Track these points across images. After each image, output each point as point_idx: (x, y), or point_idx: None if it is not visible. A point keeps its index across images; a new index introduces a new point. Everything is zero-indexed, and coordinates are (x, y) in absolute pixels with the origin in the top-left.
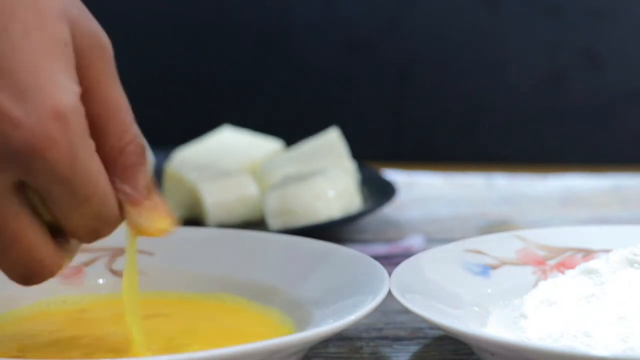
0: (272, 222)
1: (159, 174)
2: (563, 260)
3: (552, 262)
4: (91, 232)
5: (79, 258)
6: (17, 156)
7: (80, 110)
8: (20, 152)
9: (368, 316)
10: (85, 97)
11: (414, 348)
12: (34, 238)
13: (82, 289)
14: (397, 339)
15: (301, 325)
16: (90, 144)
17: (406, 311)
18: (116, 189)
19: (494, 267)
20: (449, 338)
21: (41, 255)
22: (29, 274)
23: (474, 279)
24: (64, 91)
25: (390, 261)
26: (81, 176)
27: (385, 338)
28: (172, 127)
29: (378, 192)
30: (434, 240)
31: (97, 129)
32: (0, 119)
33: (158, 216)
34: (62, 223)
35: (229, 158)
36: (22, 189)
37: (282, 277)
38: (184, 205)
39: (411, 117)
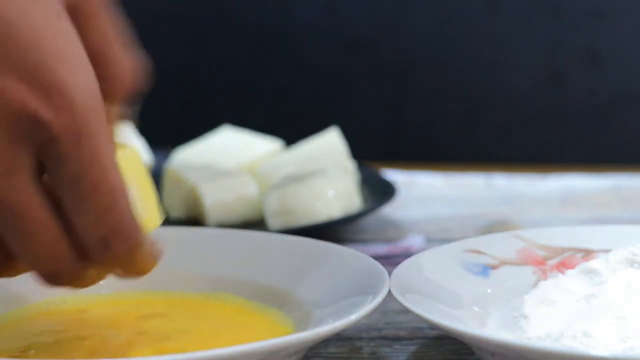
0: (272, 222)
1: (159, 174)
2: (563, 260)
3: (552, 262)
4: (100, 241)
5: None
6: (26, 129)
7: (91, 88)
8: (27, 124)
9: (368, 316)
10: (84, 31)
11: (413, 348)
12: (59, 231)
13: (82, 289)
14: (397, 339)
15: (301, 325)
16: (104, 130)
17: (406, 311)
18: None
19: (493, 267)
20: (449, 338)
21: (65, 251)
22: (54, 272)
23: (473, 278)
24: (70, 69)
25: (390, 261)
26: (88, 154)
27: (385, 338)
28: (172, 127)
29: (378, 192)
30: (434, 240)
31: (99, 57)
32: (7, 98)
33: None
34: (74, 222)
35: (229, 158)
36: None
37: (282, 277)
38: (184, 205)
39: (411, 117)
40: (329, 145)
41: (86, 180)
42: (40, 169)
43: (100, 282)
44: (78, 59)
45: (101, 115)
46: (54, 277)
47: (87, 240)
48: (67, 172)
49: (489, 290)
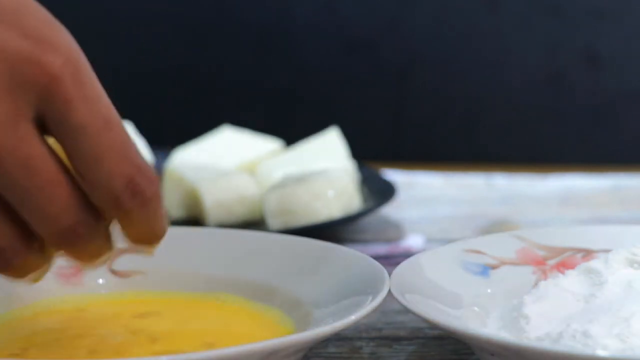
0: (272, 222)
1: (159, 174)
2: (563, 260)
3: (552, 262)
4: (128, 185)
5: None
6: (26, 74)
7: (73, 41)
8: (26, 68)
9: (368, 316)
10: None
11: (413, 348)
12: (70, 182)
13: (82, 289)
14: (397, 339)
15: (301, 325)
16: (94, 74)
17: (406, 311)
18: None
19: (493, 267)
20: (449, 338)
21: (79, 203)
22: (70, 229)
23: (473, 279)
24: (53, 27)
25: (390, 261)
26: (91, 91)
27: (385, 338)
28: (172, 127)
29: (378, 192)
30: (434, 240)
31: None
32: (2, 45)
33: None
34: (91, 177)
35: (229, 158)
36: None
37: (282, 277)
38: (184, 205)
39: (411, 117)
40: (329, 145)
41: (98, 119)
42: (40, 128)
43: (100, 282)
44: (55, 22)
45: (88, 64)
46: (70, 236)
47: (112, 191)
48: (75, 114)
49: (489, 290)
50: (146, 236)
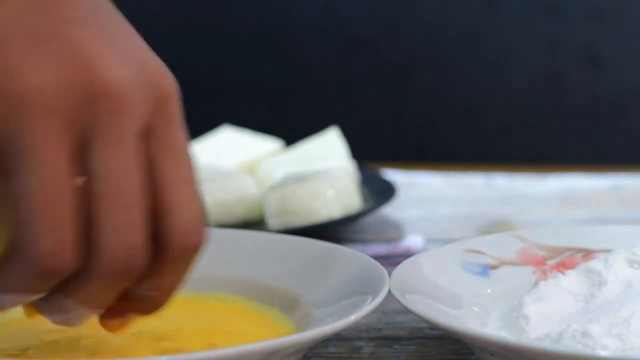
0: (272, 222)
1: None
2: (563, 260)
3: (551, 262)
4: (196, 219)
5: None
6: (152, 81)
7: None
8: (154, 75)
9: (368, 316)
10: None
11: (413, 348)
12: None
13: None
14: (397, 339)
15: (301, 325)
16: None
17: (406, 311)
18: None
19: (493, 267)
20: (449, 338)
21: (144, 227)
22: (137, 246)
23: (473, 279)
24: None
25: (390, 261)
26: (182, 121)
27: (385, 338)
28: None
29: (378, 192)
30: (434, 240)
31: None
32: (136, 54)
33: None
34: (168, 201)
35: (229, 158)
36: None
37: (282, 277)
38: None
39: (411, 117)
40: (329, 145)
41: (187, 146)
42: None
43: None
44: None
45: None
46: (126, 259)
47: (187, 217)
48: (177, 134)
49: (489, 290)
50: (169, 289)
